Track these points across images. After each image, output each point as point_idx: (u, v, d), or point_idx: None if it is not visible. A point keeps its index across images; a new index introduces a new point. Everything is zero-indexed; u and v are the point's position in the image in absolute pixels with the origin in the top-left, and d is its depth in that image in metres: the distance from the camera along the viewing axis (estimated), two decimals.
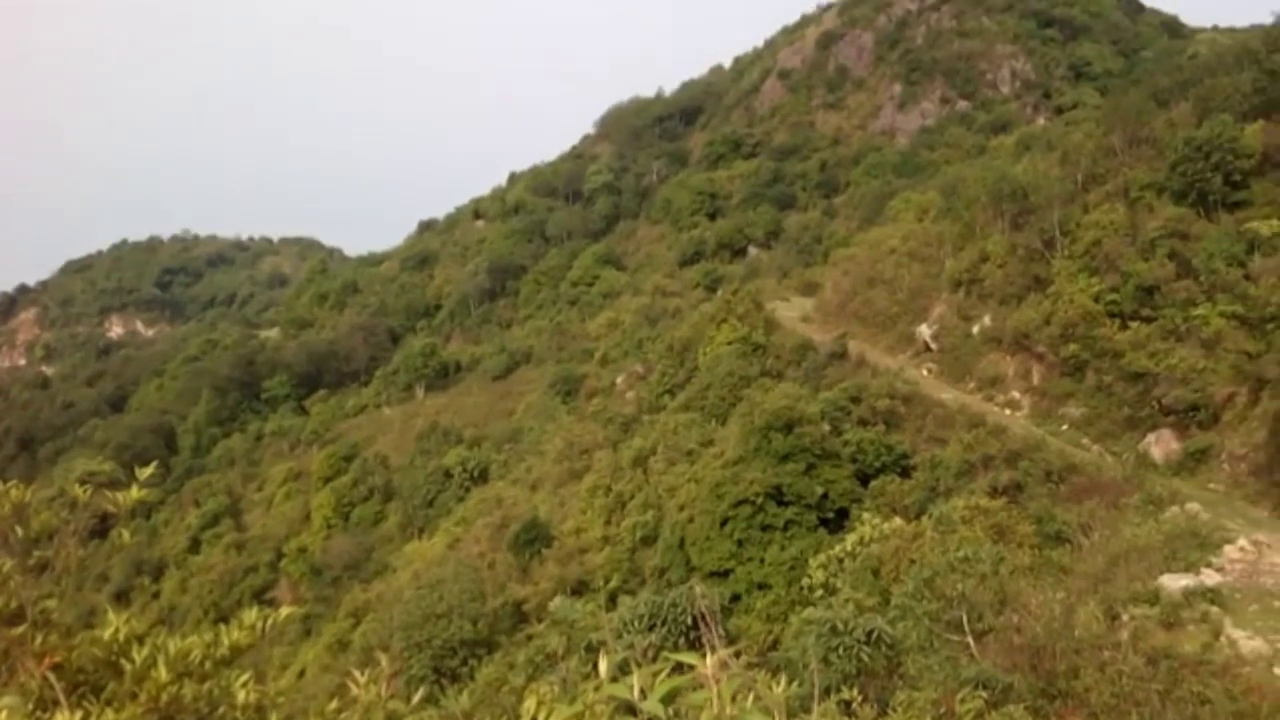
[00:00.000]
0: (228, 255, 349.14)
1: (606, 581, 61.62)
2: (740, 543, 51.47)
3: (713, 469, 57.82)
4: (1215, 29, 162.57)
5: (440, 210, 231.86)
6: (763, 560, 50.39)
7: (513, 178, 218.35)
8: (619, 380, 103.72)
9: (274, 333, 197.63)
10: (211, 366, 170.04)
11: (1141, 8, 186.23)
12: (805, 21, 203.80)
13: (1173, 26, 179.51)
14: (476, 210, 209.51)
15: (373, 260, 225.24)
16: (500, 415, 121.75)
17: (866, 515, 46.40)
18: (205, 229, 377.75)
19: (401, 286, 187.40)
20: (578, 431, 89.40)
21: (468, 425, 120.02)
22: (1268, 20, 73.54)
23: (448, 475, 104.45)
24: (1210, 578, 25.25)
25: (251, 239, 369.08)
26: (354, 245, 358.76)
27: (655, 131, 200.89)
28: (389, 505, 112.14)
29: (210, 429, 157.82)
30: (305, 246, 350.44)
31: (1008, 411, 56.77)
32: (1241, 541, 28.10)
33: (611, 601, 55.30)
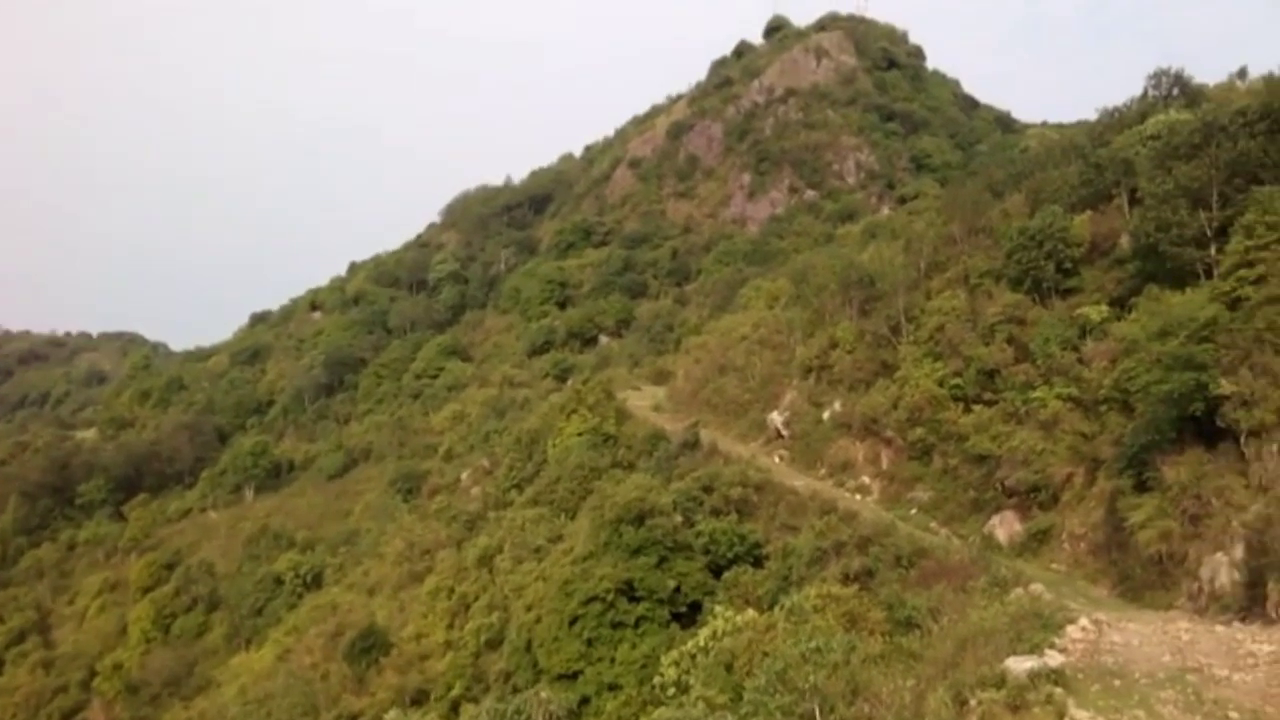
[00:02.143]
0: (41, 352, 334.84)
1: (448, 689, 60.08)
2: (590, 642, 50.79)
3: (562, 566, 57.20)
4: (1044, 125, 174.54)
5: (275, 302, 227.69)
6: (613, 660, 49.75)
7: (353, 267, 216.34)
8: (464, 476, 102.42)
9: (91, 434, 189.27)
10: (20, 471, 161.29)
11: (976, 104, 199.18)
12: (655, 112, 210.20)
13: (1005, 122, 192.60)
14: (314, 301, 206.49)
15: (200, 355, 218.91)
16: (336, 516, 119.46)
17: (719, 608, 46.34)
18: (16, 324, 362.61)
19: (231, 382, 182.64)
20: (419, 531, 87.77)
21: (300, 528, 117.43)
22: (1092, 117, 79.04)
23: (278, 582, 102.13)
24: (1054, 659, 25.69)
25: (68, 334, 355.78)
26: (180, 340, 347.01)
27: (503, 219, 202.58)
28: (214, 615, 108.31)
29: (17, 539, 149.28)
30: (126, 342, 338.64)
31: (858, 497, 58.02)
32: (1083, 621, 28.84)
33: (453, 710, 53.82)
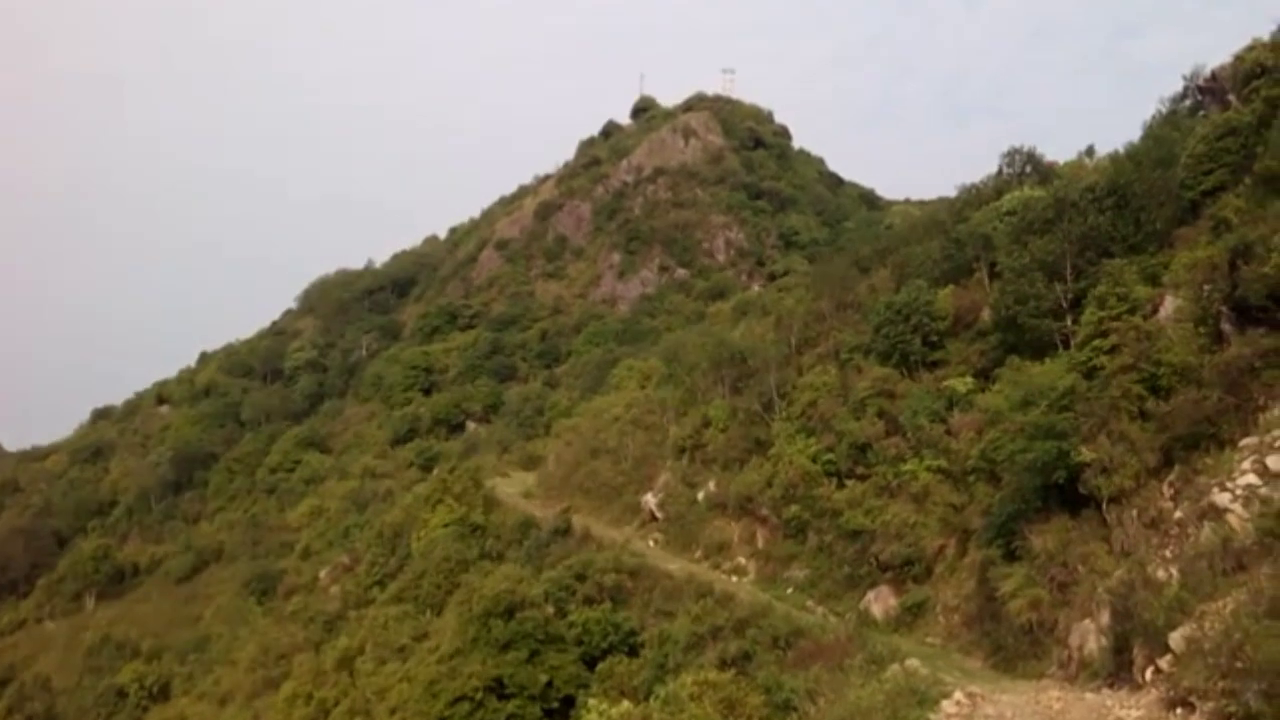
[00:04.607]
0: None
1: None
2: None
3: (427, 665, 56.12)
4: (907, 201, 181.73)
5: (118, 396, 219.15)
6: None
7: (204, 357, 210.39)
8: (323, 574, 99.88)
9: None
10: None
11: (841, 181, 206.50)
12: (523, 192, 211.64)
13: (870, 199, 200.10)
14: (160, 394, 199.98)
15: (37, 454, 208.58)
16: (185, 622, 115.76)
17: (593, 701, 45.53)
18: None
19: (71, 483, 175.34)
20: (275, 635, 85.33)
21: (146, 636, 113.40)
22: (951, 193, 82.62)
23: (121, 694, 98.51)
24: None
25: None
26: (14, 439, 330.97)
27: (365, 304, 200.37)
28: None
29: None
30: None
31: (735, 578, 58.29)
32: (958, 695, 29.24)
33: None
